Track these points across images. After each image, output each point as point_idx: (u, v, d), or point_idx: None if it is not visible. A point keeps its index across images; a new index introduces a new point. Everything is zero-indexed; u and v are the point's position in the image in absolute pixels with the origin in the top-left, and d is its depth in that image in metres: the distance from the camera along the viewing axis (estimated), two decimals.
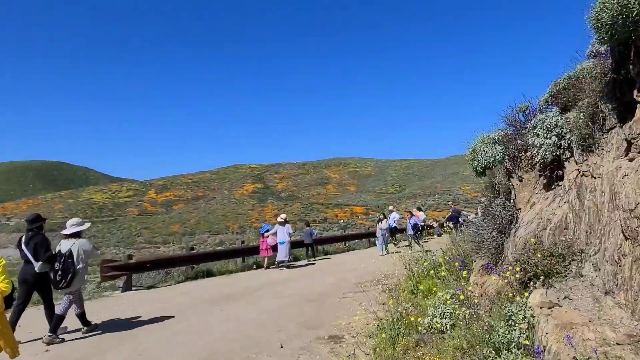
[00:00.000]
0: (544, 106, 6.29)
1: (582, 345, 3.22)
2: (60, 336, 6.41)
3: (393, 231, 17.95)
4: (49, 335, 6.25)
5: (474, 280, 6.51)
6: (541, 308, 3.77)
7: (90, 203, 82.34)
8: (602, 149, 4.68)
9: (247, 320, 7.15)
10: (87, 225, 7.21)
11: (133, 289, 10.68)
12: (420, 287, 7.07)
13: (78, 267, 6.48)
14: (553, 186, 5.55)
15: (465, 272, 6.22)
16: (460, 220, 17.17)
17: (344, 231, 30.10)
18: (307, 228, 16.89)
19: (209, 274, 12.56)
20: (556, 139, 5.27)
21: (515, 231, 5.48)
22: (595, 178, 4.53)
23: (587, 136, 4.83)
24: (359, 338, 5.90)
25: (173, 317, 7.55)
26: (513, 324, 3.74)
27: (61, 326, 6.56)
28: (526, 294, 4.16)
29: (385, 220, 16.76)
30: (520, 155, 6.66)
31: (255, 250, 15.13)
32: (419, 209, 19.48)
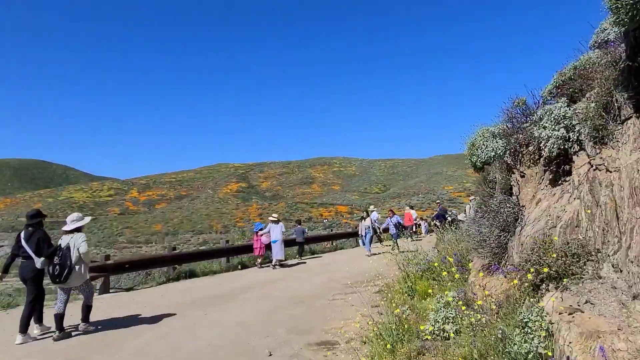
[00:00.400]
0: (548, 98, 5.98)
1: (612, 357, 2.87)
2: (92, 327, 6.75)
3: (377, 230, 17.46)
4: (84, 324, 6.68)
5: (473, 281, 6.17)
6: (560, 314, 3.42)
7: (71, 202, 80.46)
8: (618, 141, 4.36)
9: (232, 324, 6.70)
10: (87, 220, 7.04)
11: (111, 291, 10.12)
12: (417, 289, 6.71)
13: (73, 262, 6.32)
14: (560, 181, 5.23)
15: (477, 272, 5.85)
16: (447, 218, 16.94)
17: (331, 230, 29.69)
18: (299, 226, 16.55)
19: (192, 274, 12.04)
20: (564, 131, 4.95)
21: (521, 229, 5.14)
22: (611, 172, 4.20)
23: (600, 127, 4.51)
24: (353, 344, 5.52)
25: (153, 321, 7.07)
26: (530, 331, 3.38)
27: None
28: (545, 300, 3.80)
29: (369, 218, 16.36)
30: (522, 149, 6.34)
31: (240, 249, 14.71)
32: (411, 208, 19.21)
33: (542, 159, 5.74)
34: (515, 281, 4.16)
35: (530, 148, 6.27)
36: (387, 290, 7.94)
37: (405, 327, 4.96)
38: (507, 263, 5.35)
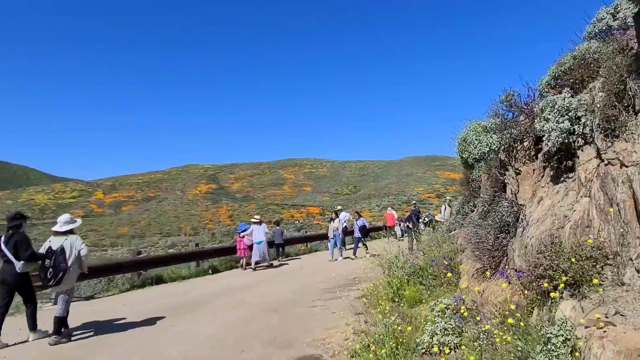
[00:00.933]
0: (545, 90, 5.59)
1: None
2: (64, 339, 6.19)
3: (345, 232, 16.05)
4: (55, 337, 6.07)
5: (467, 286, 5.74)
6: (587, 327, 2.98)
7: (32, 204, 77.27)
8: (633, 133, 3.98)
9: (203, 338, 6.05)
10: (79, 222, 6.94)
11: None
12: (406, 295, 6.22)
13: (69, 264, 6.19)
14: (562, 178, 4.84)
15: (470, 277, 5.39)
16: (423, 219, 16.59)
17: (306, 232, 29.02)
18: (277, 228, 15.88)
19: (158, 280, 11.23)
20: (569, 124, 4.55)
21: (523, 230, 4.72)
22: (627, 167, 3.81)
23: (612, 118, 4.12)
24: (339, 358, 4.99)
25: (113, 335, 6.36)
26: (554, 349, 2.92)
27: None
28: (563, 309, 3.35)
29: (337, 219, 15.26)
30: (516, 145, 5.96)
31: (211, 253, 14.05)
32: (392, 208, 18.81)
33: (540, 154, 5.36)
34: (500, 285, 3.64)
35: (525, 143, 5.90)
36: (371, 295, 7.45)
37: (400, 338, 4.45)
38: (507, 267, 4.93)
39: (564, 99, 4.61)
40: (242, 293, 9.27)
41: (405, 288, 6.52)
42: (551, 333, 2.99)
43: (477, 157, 5.82)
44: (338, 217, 15.36)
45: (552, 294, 3.65)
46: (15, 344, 6.05)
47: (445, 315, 4.68)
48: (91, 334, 6.51)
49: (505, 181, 5.92)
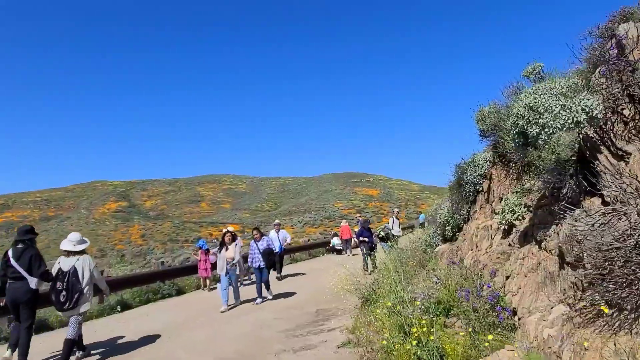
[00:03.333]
0: None
1: None
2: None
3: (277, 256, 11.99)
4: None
5: (548, 334, 3.61)
6: None
7: None
8: None
9: None
10: (88, 242, 6.48)
11: None
12: (446, 350, 3.94)
13: (84, 285, 5.83)
14: None
15: (558, 320, 3.20)
16: (375, 233, 14.59)
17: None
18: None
19: (42, 327, 7.96)
20: None
21: None
22: None
23: None
24: None
25: None
26: None
27: None
28: None
29: (234, 244, 9.73)
30: (610, 115, 4.02)
31: (121, 283, 11.00)
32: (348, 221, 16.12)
33: None
34: None
35: (626, 112, 3.98)
36: (367, 344, 5.15)
37: None
38: None
39: None
40: (169, 342, 6.51)
41: (443, 338, 4.26)
42: None
43: (558, 129, 3.76)
44: (235, 240, 9.97)
45: None
46: None
47: None
48: None
49: (598, 169, 3.91)
